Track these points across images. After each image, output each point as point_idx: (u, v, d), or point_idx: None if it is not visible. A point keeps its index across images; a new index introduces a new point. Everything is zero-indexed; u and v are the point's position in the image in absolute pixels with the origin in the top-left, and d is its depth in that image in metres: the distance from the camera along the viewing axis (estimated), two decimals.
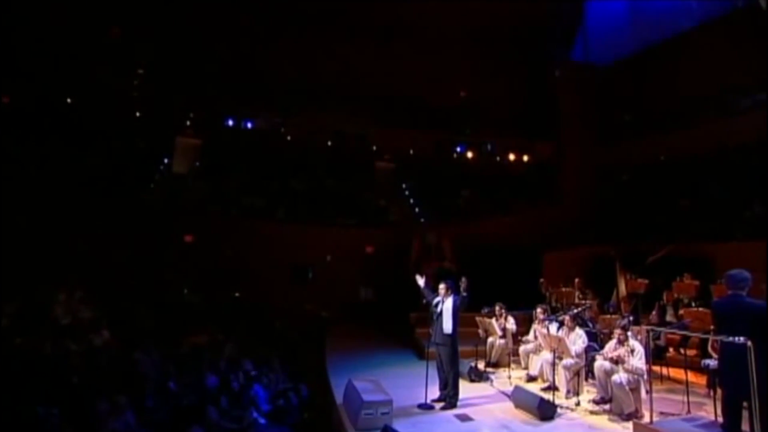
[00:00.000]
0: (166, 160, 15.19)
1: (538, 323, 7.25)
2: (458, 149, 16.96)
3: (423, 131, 16.50)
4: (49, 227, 10.21)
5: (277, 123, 16.29)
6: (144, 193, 13.40)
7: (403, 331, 10.39)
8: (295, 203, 14.75)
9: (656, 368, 7.02)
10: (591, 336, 6.94)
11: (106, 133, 13.84)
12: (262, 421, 5.94)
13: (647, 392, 5.50)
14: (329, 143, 16.72)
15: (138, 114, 14.91)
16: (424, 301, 6.60)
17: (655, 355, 7.04)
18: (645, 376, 5.58)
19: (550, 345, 6.26)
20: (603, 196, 14.16)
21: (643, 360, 5.56)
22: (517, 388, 6.15)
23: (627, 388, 5.55)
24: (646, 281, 9.14)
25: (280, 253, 13.15)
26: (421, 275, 6.53)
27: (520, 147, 16.32)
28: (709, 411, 5.27)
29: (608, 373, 5.78)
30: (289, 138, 16.31)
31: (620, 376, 5.58)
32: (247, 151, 15.45)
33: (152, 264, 11.23)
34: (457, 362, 6.39)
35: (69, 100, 14.17)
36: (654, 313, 8.41)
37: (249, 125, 16.11)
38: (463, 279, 6.39)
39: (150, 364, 6.67)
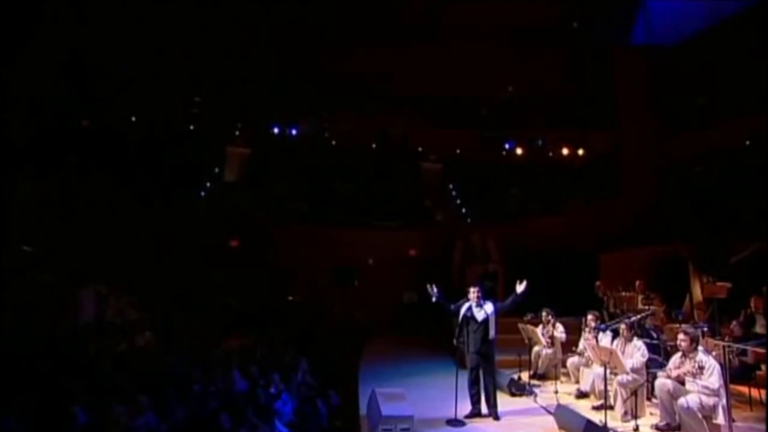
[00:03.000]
0: (216, 170, 15.79)
1: (589, 332, 6.41)
2: (507, 146, 16.10)
3: (470, 130, 15.85)
4: (105, 233, 10.87)
5: (322, 127, 16.41)
6: (195, 202, 13.98)
7: (445, 337, 9.81)
8: (339, 206, 14.70)
9: (743, 389, 5.92)
10: (653, 348, 6.01)
11: (162, 147, 14.63)
12: (284, 430, 5.72)
13: (727, 420, 4.58)
14: (374, 145, 16.57)
15: (192, 127, 15.70)
16: (452, 307, 6.08)
17: (741, 374, 5.97)
18: (722, 400, 4.64)
19: (600, 358, 5.45)
20: (672, 190, 12.64)
21: (716, 378, 4.62)
22: (560, 406, 5.41)
23: (699, 414, 4.59)
24: (729, 284, 7.84)
25: (323, 256, 13.12)
26: (431, 285, 5.99)
27: (574, 140, 15.12)
28: None
29: (673, 395, 4.86)
30: (333, 142, 16.37)
31: (688, 399, 4.65)
32: (292, 157, 15.68)
33: (199, 269, 11.61)
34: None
35: (134, 119, 15.22)
36: (736, 323, 7.14)
37: (294, 131, 16.39)
38: (524, 282, 5.81)
39: (180, 366, 6.75)
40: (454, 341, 5.95)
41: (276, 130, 16.19)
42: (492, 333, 5.69)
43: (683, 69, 13.21)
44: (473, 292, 5.88)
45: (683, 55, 13.49)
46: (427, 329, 10.86)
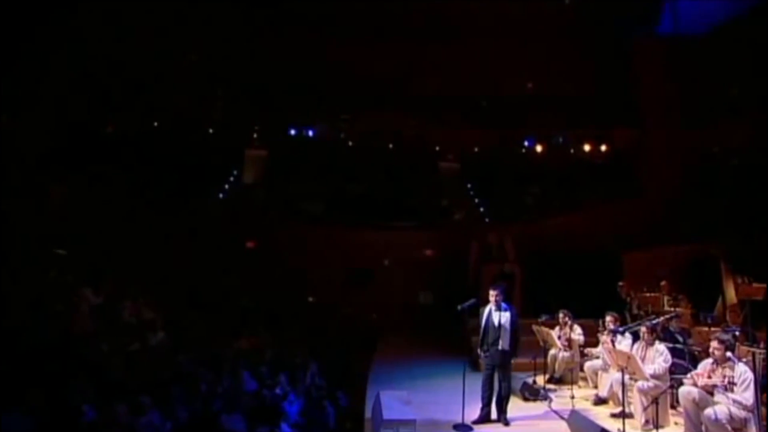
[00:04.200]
0: (235, 172, 15.95)
1: (606, 335, 6.05)
2: (526, 144, 15.70)
3: (488, 128, 15.53)
4: (123, 234, 11.08)
5: (338, 128, 16.38)
6: (211, 203, 14.13)
7: (459, 339, 9.59)
8: (355, 207, 14.60)
9: None
10: (678, 353, 5.62)
11: (182, 150, 14.86)
12: (288, 431, 5.62)
13: None
14: (390, 146, 16.44)
15: (211, 131, 15.93)
16: (459, 308, 5.89)
17: None
18: (755, 413, 4.24)
19: (617, 362, 5.11)
20: (700, 186, 11.99)
21: (750, 393, 4.23)
22: (574, 412, 5.11)
23: (728, 426, 4.20)
24: (766, 286, 7.33)
25: (339, 257, 13.04)
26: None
27: (596, 136, 14.57)
28: None
29: (699, 404, 4.49)
30: (350, 143, 16.32)
31: (716, 410, 4.26)
32: (308, 158, 15.69)
33: (215, 269, 11.68)
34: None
35: (156, 124, 15.55)
36: None
37: (310, 133, 16.42)
38: None
39: (189, 365, 6.74)
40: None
41: (292, 132, 16.26)
42: (505, 343, 5.46)
43: (710, 60, 12.56)
44: (493, 295, 5.65)
45: (710, 45, 12.84)
46: (442, 330, 10.64)
